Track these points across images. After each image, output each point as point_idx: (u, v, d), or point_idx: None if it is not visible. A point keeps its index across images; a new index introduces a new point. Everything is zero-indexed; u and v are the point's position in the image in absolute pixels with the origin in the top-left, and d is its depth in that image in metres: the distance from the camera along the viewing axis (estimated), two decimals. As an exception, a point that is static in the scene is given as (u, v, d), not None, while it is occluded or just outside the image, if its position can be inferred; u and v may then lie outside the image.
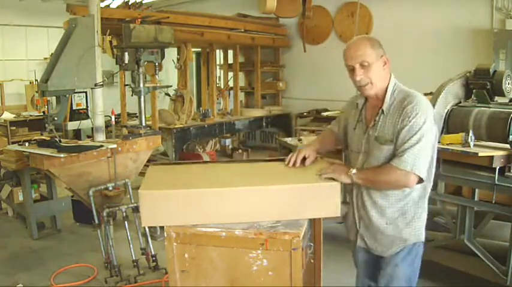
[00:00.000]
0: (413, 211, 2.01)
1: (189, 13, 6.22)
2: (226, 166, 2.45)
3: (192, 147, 6.76)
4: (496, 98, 3.26)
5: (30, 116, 7.34)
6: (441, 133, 3.23)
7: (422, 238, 2.07)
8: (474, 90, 3.27)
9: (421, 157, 1.85)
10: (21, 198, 4.57)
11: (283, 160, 2.27)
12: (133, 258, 3.56)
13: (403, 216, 2.01)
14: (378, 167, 1.95)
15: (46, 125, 3.94)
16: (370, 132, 2.00)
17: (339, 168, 2.00)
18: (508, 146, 2.84)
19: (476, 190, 3.48)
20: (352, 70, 1.96)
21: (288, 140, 4.86)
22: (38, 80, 4.10)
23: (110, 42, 4.46)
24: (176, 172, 2.31)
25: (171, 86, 5.99)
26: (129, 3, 5.74)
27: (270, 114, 7.21)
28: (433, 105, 3.19)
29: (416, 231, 2.04)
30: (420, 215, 2.04)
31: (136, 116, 5.70)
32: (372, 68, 1.92)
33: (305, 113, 6.96)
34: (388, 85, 1.99)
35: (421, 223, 2.04)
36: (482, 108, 3.11)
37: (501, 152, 2.81)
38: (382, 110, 1.97)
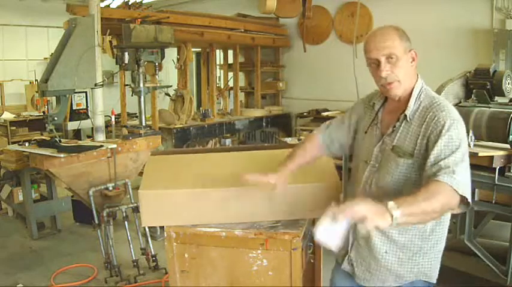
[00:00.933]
0: (420, 245, 1.65)
1: (189, 13, 6.22)
2: (226, 156, 2.37)
3: (192, 147, 6.76)
4: (496, 98, 3.26)
5: (30, 116, 7.35)
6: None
7: (429, 277, 1.70)
8: (474, 90, 3.27)
9: (468, 178, 1.51)
10: (21, 198, 4.56)
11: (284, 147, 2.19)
12: (133, 258, 3.56)
13: (407, 248, 1.65)
14: (421, 192, 1.41)
15: (46, 125, 3.95)
16: (385, 140, 1.66)
17: (371, 210, 1.33)
18: (508, 146, 2.84)
19: (476, 190, 3.48)
20: (375, 65, 1.62)
21: (288, 140, 4.86)
22: (38, 80, 4.10)
23: (110, 42, 4.46)
24: (176, 165, 2.29)
25: (171, 86, 6.00)
26: (129, 3, 5.74)
27: (270, 114, 7.20)
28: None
29: (420, 268, 1.67)
30: (428, 250, 1.67)
31: (136, 116, 5.70)
32: (400, 63, 1.60)
33: (305, 113, 6.95)
34: (414, 86, 1.67)
35: (426, 259, 1.68)
36: (482, 108, 3.11)
37: (501, 152, 2.82)
38: (405, 116, 1.63)
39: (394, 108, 1.70)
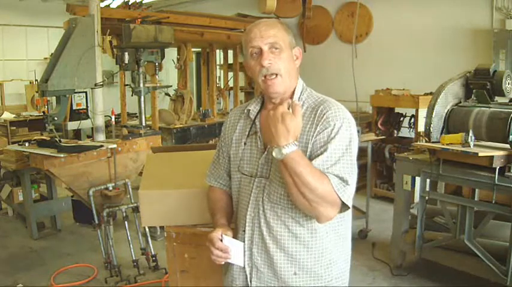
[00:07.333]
0: (334, 252, 1.49)
1: (189, 13, 6.22)
2: None
3: (192, 147, 6.75)
4: (496, 98, 3.26)
5: (30, 116, 7.35)
6: (441, 133, 3.23)
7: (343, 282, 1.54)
8: (474, 90, 3.27)
9: (355, 183, 1.39)
10: (21, 198, 4.57)
11: None
12: (133, 258, 3.56)
13: (322, 257, 1.46)
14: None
15: (46, 125, 3.95)
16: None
17: (280, 124, 1.32)
18: (508, 146, 2.83)
19: (476, 190, 3.49)
20: (257, 55, 1.45)
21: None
22: (38, 80, 4.10)
23: (110, 42, 4.46)
24: (176, 164, 2.29)
25: (171, 86, 6.00)
26: (129, 3, 5.74)
27: (270, 114, 7.19)
28: (433, 105, 3.20)
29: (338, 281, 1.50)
30: (338, 258, 1.50)
31: (136, 116, 5.71)
32: (284, 54, 1.45)
33: (305, 113, 6.95)
34: (295, 87, 1.52)
35: (339, 268, 1.51)
36: (482, 108, 3.11)
37: (501, 152, 2.81)
38: None
39: None
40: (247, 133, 1.55)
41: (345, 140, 1.38)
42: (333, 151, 1.36)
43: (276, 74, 1.44)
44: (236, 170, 1.57)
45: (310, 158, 1.38)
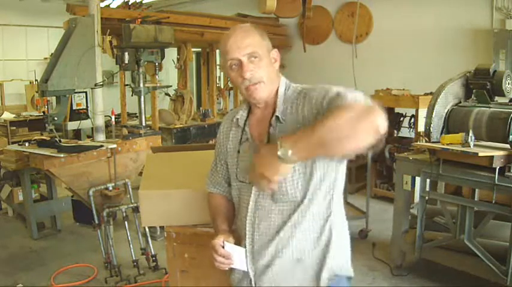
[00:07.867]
0: (334, 240, 1.48)
1: (189, 13, 6.23)
2: None
3: (192, 147, 6.74)
4: (496, 98, 3.26)
5: (30, 116, 7.35)
6: (441, 133, 3.23)
7: (348, 272, 1.55)
8: (474, 90, 3.27)
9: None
10: (21, 198, 4.56)
11: None
12: (133, 258, 3.56)
13: (321, 254, 1.47)
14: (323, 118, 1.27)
15: (46, 125, 3.96)
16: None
17: (262, 160, 1.31)
18: (508, 146, 2.84)
19: (476, 190, 3.49)
20: (237, 66, 1.45)
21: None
22: (38, 80, 4.11)
23: (110, 42, 4.47)
24: (176, 164, 2.30)
25: (171, 86, 6.01)
26: (129, 3, 5.75)
27: (270, 114, 7.19)
28: (433, 105, 3.20)
29: (338, 267, 1.50)
30: (342, 243, 1.52)
31: (136, 116, 5.71)
32: (262, 63, 1.45)
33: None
34: (278, 87, 1.52)
35: (342, 255, 1.52)
36: (482, 108, 3.11)
37: (501, 152, 2.81)
38: (277, 117, 1.46)
39: (262, 116, 1.53)
40: (239, 141, 1.57)
41: (332, 88, 1.39)
42: (333, 91, 1.37)
43: (260, 81, 1.46)
44: (234, 178, 1.58)
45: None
